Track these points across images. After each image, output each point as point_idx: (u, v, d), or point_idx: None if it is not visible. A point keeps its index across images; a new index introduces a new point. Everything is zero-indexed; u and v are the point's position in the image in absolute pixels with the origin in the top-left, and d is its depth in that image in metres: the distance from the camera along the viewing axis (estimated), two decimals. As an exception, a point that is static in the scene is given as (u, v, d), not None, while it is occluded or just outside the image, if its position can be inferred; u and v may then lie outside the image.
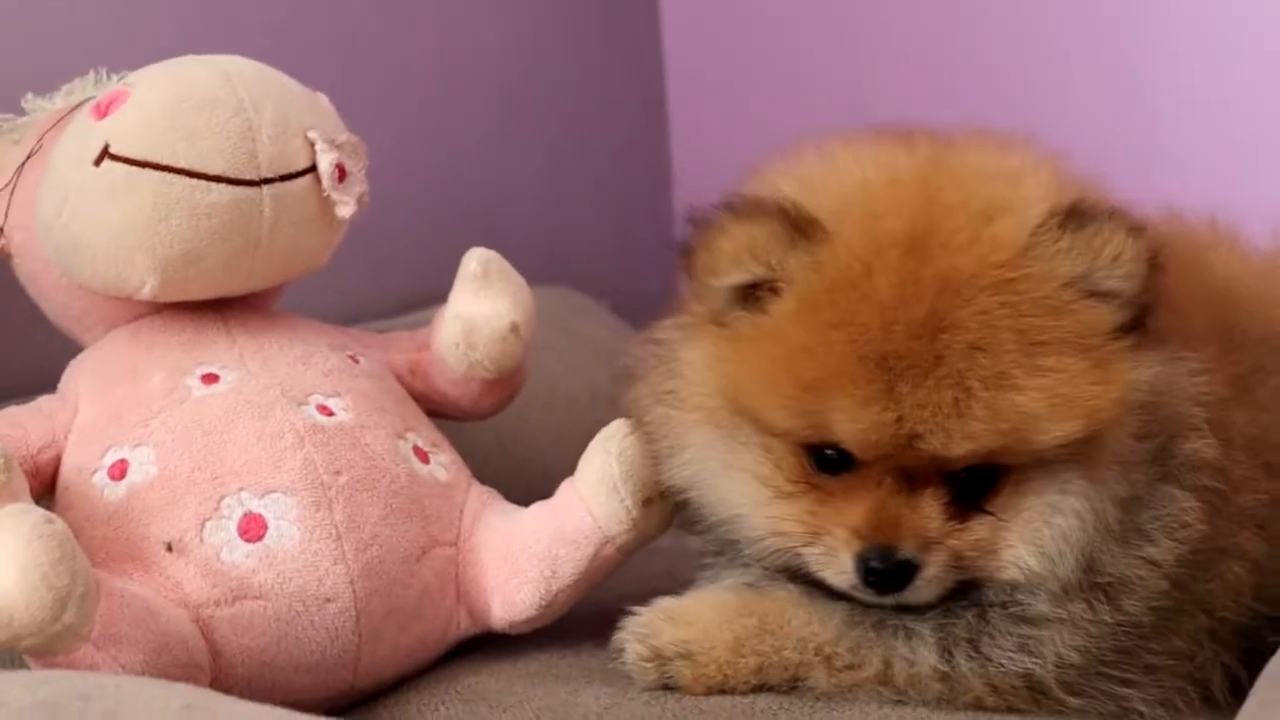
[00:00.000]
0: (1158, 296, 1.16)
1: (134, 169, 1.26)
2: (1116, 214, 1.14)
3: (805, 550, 1.17)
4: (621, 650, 1.24)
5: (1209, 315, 1.27)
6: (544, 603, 1.32)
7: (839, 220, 1.14)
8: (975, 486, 1.14)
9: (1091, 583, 1.15)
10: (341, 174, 1.34)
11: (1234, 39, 2.09)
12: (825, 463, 1.16)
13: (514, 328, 1.41)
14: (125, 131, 1.27)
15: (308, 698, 1.22)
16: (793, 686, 1.21)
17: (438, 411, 1.46)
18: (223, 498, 1.23)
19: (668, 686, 1.22)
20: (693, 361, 1.21)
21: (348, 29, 2.01)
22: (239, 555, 1.21)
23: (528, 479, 1.42)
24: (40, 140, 1.35)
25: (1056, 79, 2.16)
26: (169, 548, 1.21)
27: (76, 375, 1.35)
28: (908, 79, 2.30)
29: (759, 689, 1.21)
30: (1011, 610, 1.16)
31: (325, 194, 1.33)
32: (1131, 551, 1.15)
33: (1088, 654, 1.17)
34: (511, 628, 1.34)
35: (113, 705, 0.90)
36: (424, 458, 1.35)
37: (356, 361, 1.39)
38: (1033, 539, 1.14)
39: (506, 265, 1.44)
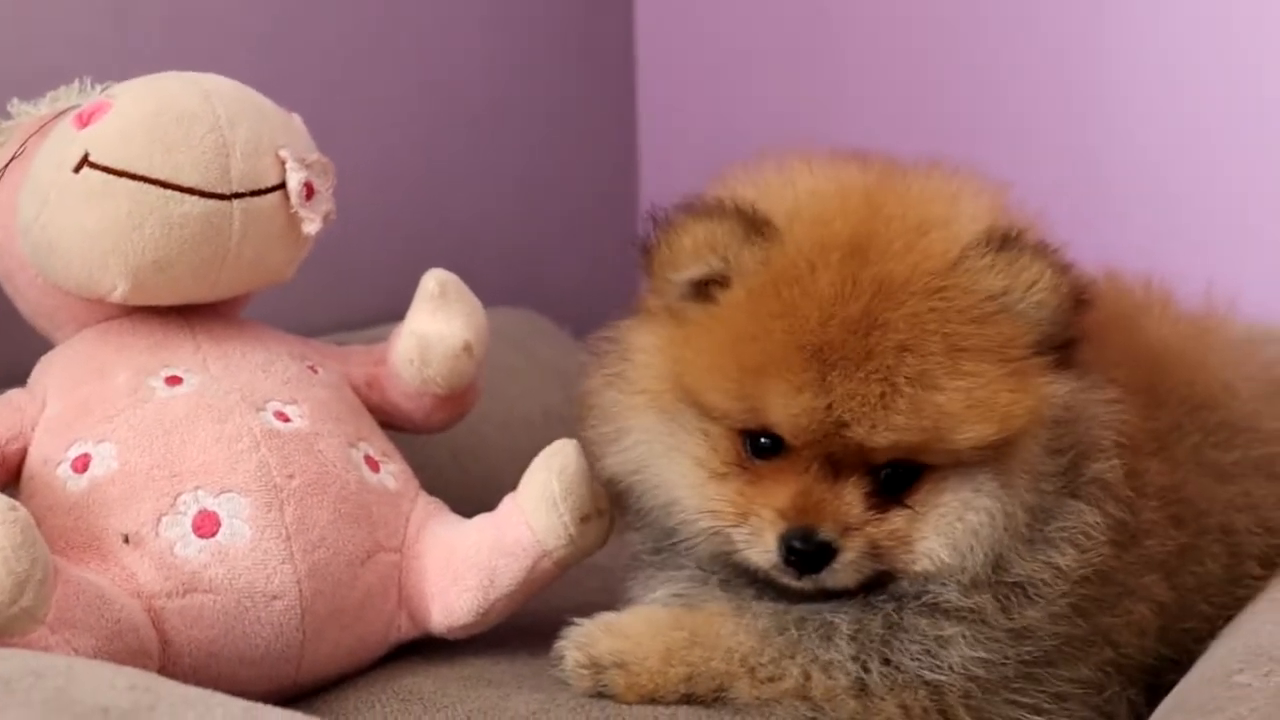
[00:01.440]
0: (1081, 330, 1.24)
1: (111, 177, 1.32)
2: (1043, 247, 1.22)
3: (734, 531, 1.23)
4: (561, 658, 1.30)
5: (1136, 372, 1.33)
6: (482, 610, 1.37)
7: (789, 222, 1.23)
8: (896, 482, 1.21)
9: (999, 580, 1.21)
10: (309, 192, 1.39)
11: (1180, 111, 2.16)
12: (759, 449, 1.23)
13: (467, 347, 1.47)
14: (105, 141, 1.32)
15: (251, 690, 1.25)
16: (717, 698, 1.27)
17: (391, 424, 1.51)
18: (179, 494, 1.28)
19: (602, 694, 1.28)
20: (644, 346, 1.29)
21: (330, 51, 2.06)
22: (192, 550, 1.26)
23: (480, 493, 1.46)
24: (24, 144, 1.40)
25: (1009, 142, 2.22)
26: (126, 540, 1.26)
27: (46, 371, 1.40)
28: (876, 118, 2.35)
29: (686, 699, 1.27)
30: (925, 600, 1.22)
31: (293, 211, 1.38)
32: (1038, 556, 1.21)
33: (991, 668, 1.22)
34: (450, 633, 1.39)
35: (63, 682, 0.95)
36: (374, 467, 1.40)
37: (315, 372, 1.44)
38: (945, 532, 1.21)
39: (463, 286, 1.50)
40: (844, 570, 1.21)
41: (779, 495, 1.21)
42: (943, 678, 1.22)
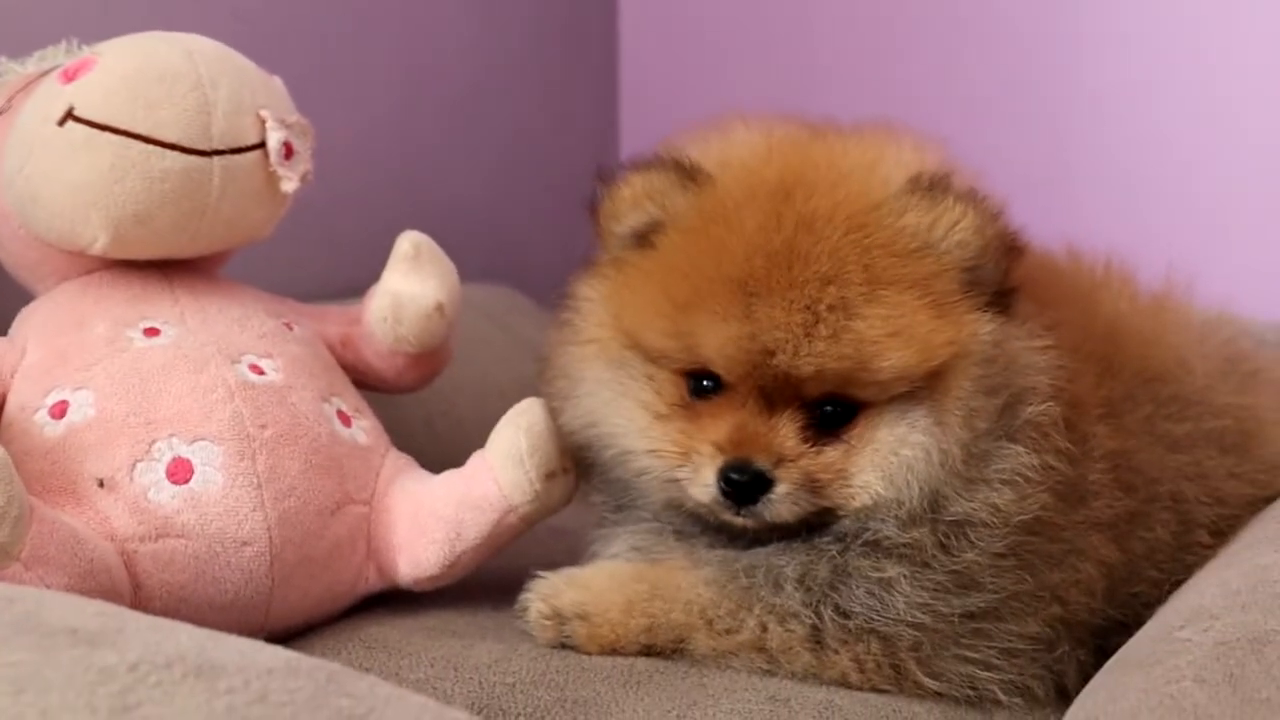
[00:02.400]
0: (1016, 280, 1.28)
1: (94, 131, 1.35)
2: (970, 193, 1.26)
3: (679, 472, 1.27)
4: (525, 609, 1.34)
5: (1091, 344, 1.37)
6: (447, 563, 1.40)
7: (722, 169, 1.29)
8: (833, 420, 1.25)
9: (937, 518, 1.24)
10: (288, 152, 1.42)
11: (1146, 103, 2.21)
12: (700, 390, 1.27)
13: (439, 307, 1.50)
14: (89, 96, 1.36)
15: (222, 634, 1.29)
16: (677, 649, 1.30)
17: (364, 383, 1.54)
18: (154, 441, 1.31)
19: (565, 645, 1.32)
20: (590, 296, 1.34)
21: (314, 28, 2.09)
22: (165, 496, 1.29)
23: (452, 459, 1.48)
24: (9, 100, 1.43)
25: (978, 130, 2.26)
26: (101, 484, 1.29)
27: (27, 322, 1.42)
28: (854, 104, 2.39)
29: (646, 651, 1.30)
30: (865, 539, 1.25)
31: (271, 169, 1.42)
32: (977, 496, 1.24)
33: (938, 617, 1.25)
34: (416, 585, 1.42)
35: (33, 607, 0.98)
36: (346, 421, 1.43)
37: (291, 329, 1.47)
38: (881, 466, 1.24)
39: (437, 249, 1.53)
40: (780, 502, 1.24)
41: (717, 430, 1.25)
42: (889, 627, 1.25)
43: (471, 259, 1.60)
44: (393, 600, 1.44)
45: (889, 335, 1.20)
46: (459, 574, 1.42)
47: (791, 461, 1.24)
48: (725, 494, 1.24)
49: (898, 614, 1.25)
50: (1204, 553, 1.39)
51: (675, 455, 1.27)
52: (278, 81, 1.48)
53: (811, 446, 1.24)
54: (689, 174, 1.29)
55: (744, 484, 1.23)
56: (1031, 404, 1.25)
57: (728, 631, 1.29)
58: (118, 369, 1.34)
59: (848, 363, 1.21)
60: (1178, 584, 1.35)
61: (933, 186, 1.25)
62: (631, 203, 1.31)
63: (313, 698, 0.89)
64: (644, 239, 1.30)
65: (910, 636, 1.26)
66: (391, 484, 1.43)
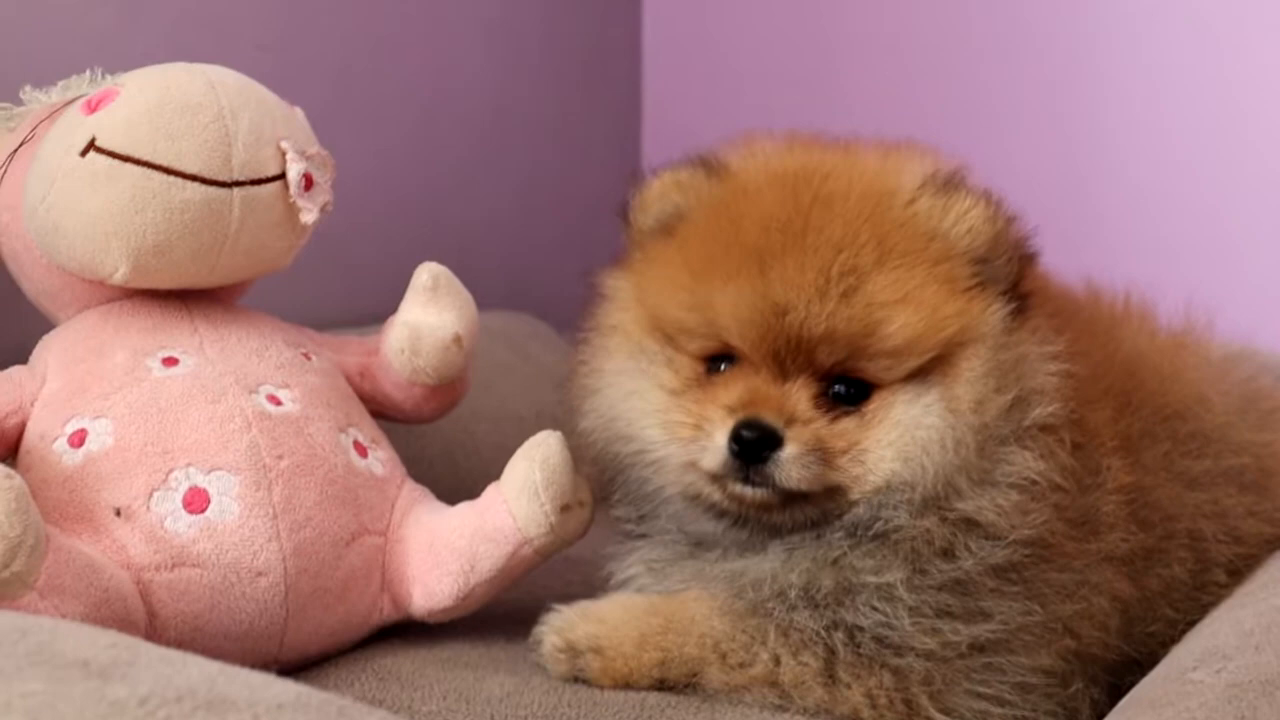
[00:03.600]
0: (1026, 285, 1.30)
1: (116, 162, 1.36)
2: (985, 193, 1.29)
3: (693, 448, 1.28)
4: (539, 642, 1.34)
5: (1110, 379, 1.37)
6: (462, 595, 1.40)
7: (744, 165, 1.34)
8: (846, 400, 1.27)
9: (947, 509, 1.25)
10: (308, 183, 1.43)
11: (1167, 136, 2.21)
12: (717, 372, 1.30)
13: (457, 339, 1.50)
14: (111, 127, 1.37)
15: (234, 665, 1.29)
16: (690, 683, 1.30)
17: (382, 414, 1.55)
18: (171, 471, 1.32)
19: (579, 678, 1.31)
20: (616, 285, 1.39)
21: (335, 55, 2.10)
22: (182, 525, 1.30)
23: (470, 488, 1.49)
24: (34, 129, 1.44)
25: (998, 166, 2.26)
26: (118, 513, 1.30)
27: (48, 349, 1.43)
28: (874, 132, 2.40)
29: (659, 684, 1.30)
30: (875, 530, 1.25)
31: (291, 200, 1.42)
32: (985, 495, 1.24)
33: (945, 644, 1.25)
34: (430, 616, 1.42)
35: (47, 638, 0.98)
36: (363, 452, 1.43)
37: (309, 359, 1.48)
38: (897, 443, 1.25)
39: (455, 280, 1.53)
40: (790, 463, 1.24)
41: (730, 395, 1.27)
42: (899, 657, 1.25)
43: (491, 287, 1.60)
44: (407, 631, 1.44)
45: (898, 300, 1.23)
46: (473, 606, 1.42)
47: (803, 424, 1.25)
48: (735, 455, 1.25)
49: (903, 629, 1.25)
50: (1220, 592, 1.38)
51: (689, 428, 1.29)
52: (299, 113, 1.49)
53: (825, 414, 1.26)
54: (714, 169, 1.34)
55: (753, 442, 1.24)
56: (1039, 406, 1.26)
57: (741, 665, 1.28)
58: (136, 398, 1.35)
59: (858, 325, 1.23)
60: (1193, 623, 1.35)
61: (947, 182, 1.29)
62: (659, 194, 1.36)
63: (322, 734, 0.89)
64: (669, 229, 1.34)
65: (921, 669, 1.25)
66: (407, 515, 1.44)
